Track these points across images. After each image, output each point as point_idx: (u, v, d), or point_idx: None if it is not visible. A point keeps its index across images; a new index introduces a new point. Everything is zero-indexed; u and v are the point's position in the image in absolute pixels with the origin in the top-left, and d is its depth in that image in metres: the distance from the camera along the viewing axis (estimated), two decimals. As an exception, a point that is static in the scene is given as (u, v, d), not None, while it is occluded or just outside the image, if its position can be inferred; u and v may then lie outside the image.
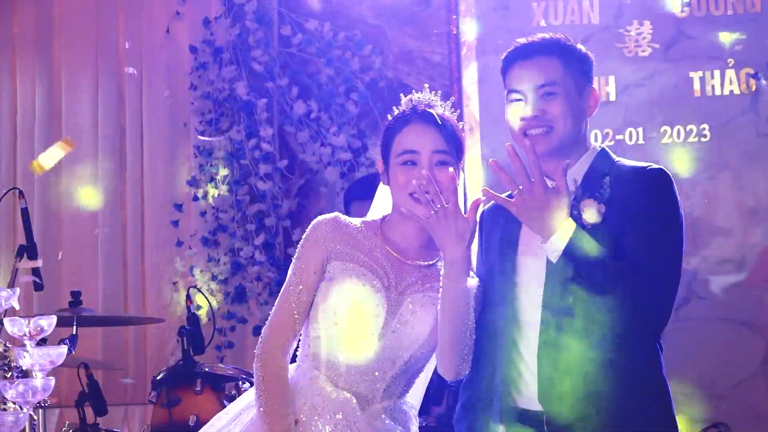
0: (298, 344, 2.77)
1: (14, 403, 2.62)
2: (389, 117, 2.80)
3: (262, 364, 2.69)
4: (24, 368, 2.65)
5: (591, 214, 2.55)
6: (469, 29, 5.41)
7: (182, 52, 5.62)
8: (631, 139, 5.22)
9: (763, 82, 5.13)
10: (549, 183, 2.51)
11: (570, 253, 2.48)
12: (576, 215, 2.55)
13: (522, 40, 2.72)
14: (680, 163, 5.07)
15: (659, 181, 2.56)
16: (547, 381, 2.58)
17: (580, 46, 2.72)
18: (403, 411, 2.75)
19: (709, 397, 4.95)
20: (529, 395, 2.63)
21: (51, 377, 2.65)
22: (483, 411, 2.73)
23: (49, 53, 5.78)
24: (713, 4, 5.22)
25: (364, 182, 4.77)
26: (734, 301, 5.08)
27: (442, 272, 2.62)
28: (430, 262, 2.75)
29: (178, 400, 4.07)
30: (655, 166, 2.61)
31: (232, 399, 3.94)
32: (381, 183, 2.87)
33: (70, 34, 5.78)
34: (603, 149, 2.71)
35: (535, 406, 2.61)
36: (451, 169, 2.65)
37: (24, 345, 2.65)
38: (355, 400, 2.65)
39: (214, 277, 5.40)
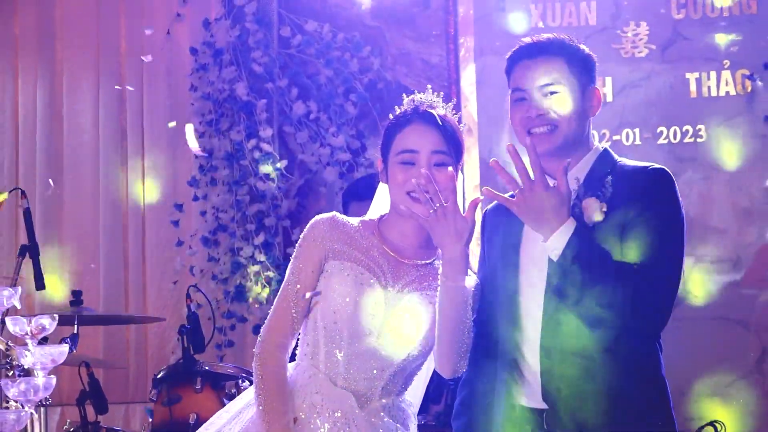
0: (297, 343, 2.77)
1: (16, 401, 2.62)
2: (390, 116, 2.81)
3: (261, 363, 2.69)
4: (26, 367, 2.66)
5: (593, 213, 2.56)
6: (467, 31, 5.41)
7: (182, 54, 5.64)
8: (627, 139, 5.23)
9: (759, 83, 5.14)
10: (550, 182, 2.51)
11: (571, 251, 2.48)
12: (578, 214, 2.55)
13: (527, 40, 2.73)
14: (676, 163, 5.07)
15: (661, 181, 2.57)
16: (548, 379, 2.58)
17: (583, 46, 2.72)
18: (402, 409, 2.76)
19: (705, 395, 4.97)
20: (529, 393, 2.64)
21: (52, 376, 2.66)
22: (482, 408, 2.73)
23: (50, 54, 5.79)
24: (709, 5, 5.23)
25: (362, 182, 4.75)
26: (729, 300, 5.09)
27: (439, 271, 2.62)
28: (428, 261, 2.76)
29: (179, 398, 4.07)
30: (657, 165, 2.61)
31: (232, 397, 3.93)
32: (380, 182, 2.87)
33: (71, 36, 5.79)
34: (605, 149, 2.72)
35: (536, 403, 2.62)
36: (450, 168, 2.66)
37: (26, 344, 2.66)
38: (353, 398, 2.66)
39: (214, 277, 5.42)
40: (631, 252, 2.50)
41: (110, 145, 5.72)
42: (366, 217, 2.87)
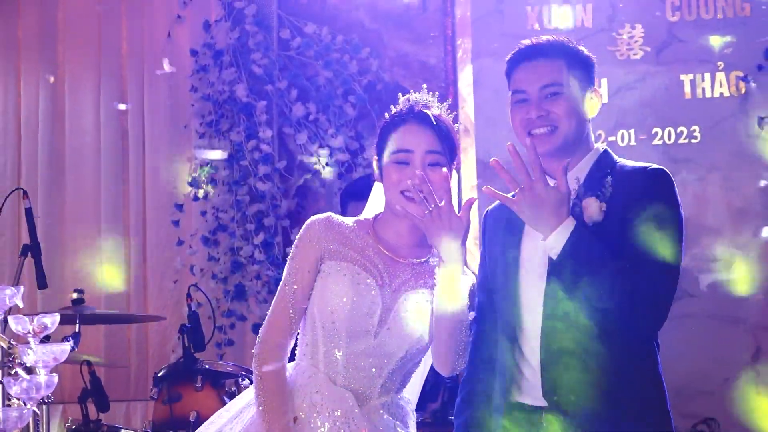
0: (296, 343, 2.79)
1: (18, 399, 2.62)
2: (386, 115, 2.81)
3: (261, 364, 2.70)
4: (28, 365, 2.65)
5: (592, 212, 2.57)
6: (464, 33, 5.42)
7: (183, 55, 5.65)
8: (623, 140, 5.24)
9: (753, 84, 5.15)
10: (550, 182, 2.52)
11: (570, 250, 2.49)
12: (577, 213, 2.56)
13: (527, 42, 2.74)
14: (670, 164, 5.08)
15: (660, 181, 2.57)
16: (547, 376, 2.59)
17: (582, 48, 2.74)
18: (401, 406, 2.77)
19: (699, 393, 4.98)
20: (529, 390, 2.65)
21: (54, 374, 2.66)
22: (482, 405, 2.74)
23: (52, 56, 5.80)
24: (703, 7, 5.25)
25: (361, 183, 4.72)
26: (724, 299, 5.10)
27: (435, 269, 2.64)
28: (423, 260, 2.77)
29: (179, 396, 4.07)
30: (656, 166, 2.61)
31: (232, 395, 3.97)
32: (375, 181, 2.89)
33: (73, 37, 5.79)
34: (605, 150, 2.72)
35: (535, 400, 2.63)
36: (444, 169, 2.66)
37: (28, 342, 2.66)
38: (353, 397, 2.67)
39: (214, 276, 5.43)
40: (630, 251, 2.50)
41: (111, 146, 5.73)
42: (361, 217, 2.87)
